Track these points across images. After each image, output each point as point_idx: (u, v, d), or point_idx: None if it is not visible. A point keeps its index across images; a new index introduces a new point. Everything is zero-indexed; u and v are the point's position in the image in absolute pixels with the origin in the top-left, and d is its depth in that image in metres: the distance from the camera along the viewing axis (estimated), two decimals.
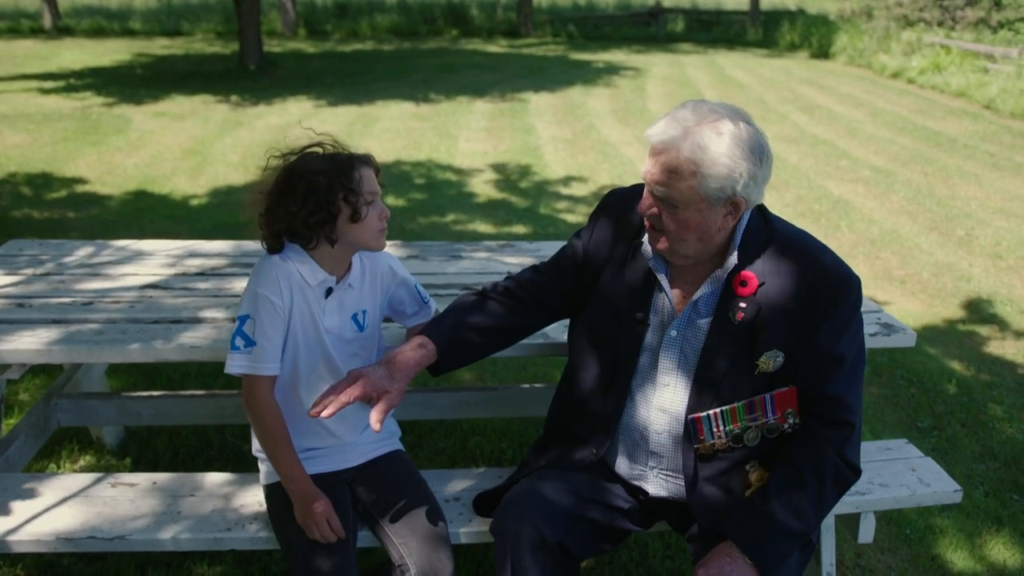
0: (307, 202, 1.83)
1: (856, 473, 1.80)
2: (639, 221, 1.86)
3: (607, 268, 1.90)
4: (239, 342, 1.88)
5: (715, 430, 1.79)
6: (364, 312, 2.04)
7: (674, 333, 1.81)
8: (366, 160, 1.92)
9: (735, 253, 1.74)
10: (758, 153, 1.65)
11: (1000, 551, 2.76)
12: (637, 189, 1.92)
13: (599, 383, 1.91)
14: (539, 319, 2.03)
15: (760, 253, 1.76)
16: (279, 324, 1.90)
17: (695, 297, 1.78)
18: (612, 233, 1.92)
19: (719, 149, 1.61)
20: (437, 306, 2.21)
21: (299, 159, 1.89)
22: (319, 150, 1.92)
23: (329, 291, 1.96)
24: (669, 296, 1.82)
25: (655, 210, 1.70)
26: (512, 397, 2.96)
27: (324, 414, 1.71)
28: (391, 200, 6.58)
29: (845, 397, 1.75)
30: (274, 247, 1.93)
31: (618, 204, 1.94)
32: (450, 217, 6.24)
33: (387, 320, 2.22)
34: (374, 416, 1.74)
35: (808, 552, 1.89)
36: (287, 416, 1.97)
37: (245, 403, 1.92)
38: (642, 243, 1.84)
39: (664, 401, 1.83)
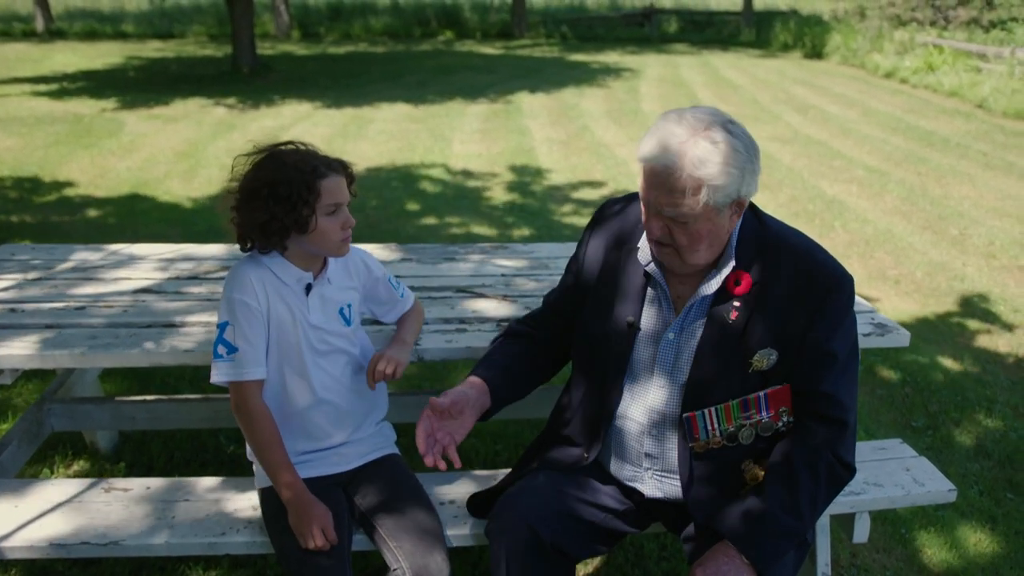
0: (267, 209, 1.83)
1: (850, 471, 1.80)
2: (632, 228, 1.87)
3: (601, 275, 1.91)
4: (221, 350, 1.88)
5: (709, 428, 1.80)
6: (349, 306, 2.05)
7: (671, 336, 1.81)
8: (336, 168, 1.90)
9: (733, 254, 1.75)
10: (752, 152, 1.66)
11: (995, 550, 2.76)
12: (630, 198, 1.94)
13: (593, 387, 1.92)
14: (570, 345, 2.06)
15: (754, 252, 1.76)
16: (259, 327, 1.90)
17: (694, 299, 1.78)
18: (605, 241, 1.93)
19: (719, 159, 1.61)
20: (415, 297, 2.25)
21: (266, 165, 1.87)
22: (290, 147, 1.91)
23: (309, 287, 1.96)
24: (668, 300, 1.82)
25: (666, 231, 1.69)
26: None
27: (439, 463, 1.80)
28: (383, 203, 6.57)
29: (838, 395, 1.76)
30: (243, 247, 1.94)
31: (611, 214, 1.96)
32: (444, 219, 6.24)
33: (366, 321, 2.22)
34: (452, 454, 1.82)
35: (803, 551, 1.89)
36: (278, 419, 1.97)
37: (235, 410, 1.92)
38: (636, 248, 1.84)
39: (659, 402, 1.84)
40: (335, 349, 2.02)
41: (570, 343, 2.04)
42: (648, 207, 1.70)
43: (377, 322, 2.28)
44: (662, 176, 1.63)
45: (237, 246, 1.95)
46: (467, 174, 7.65)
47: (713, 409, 1.78)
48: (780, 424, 1.81)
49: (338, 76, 14.12)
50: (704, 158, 1.60)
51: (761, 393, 1.78)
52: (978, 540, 2.81)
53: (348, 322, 2.04)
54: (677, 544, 2.68)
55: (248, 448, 2.08)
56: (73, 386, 2.94)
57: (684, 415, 1.80)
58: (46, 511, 2.08)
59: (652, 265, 1.81)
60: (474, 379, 1.93)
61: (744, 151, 1.64)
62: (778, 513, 1.72)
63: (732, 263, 1.74)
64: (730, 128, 1.64)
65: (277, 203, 1.82)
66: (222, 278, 2.67)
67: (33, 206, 6.36)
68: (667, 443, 1.86)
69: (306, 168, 1.85)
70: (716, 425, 1.80)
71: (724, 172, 1.61)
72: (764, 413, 1.80)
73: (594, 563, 2.62)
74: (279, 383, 1.97)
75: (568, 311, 2.01)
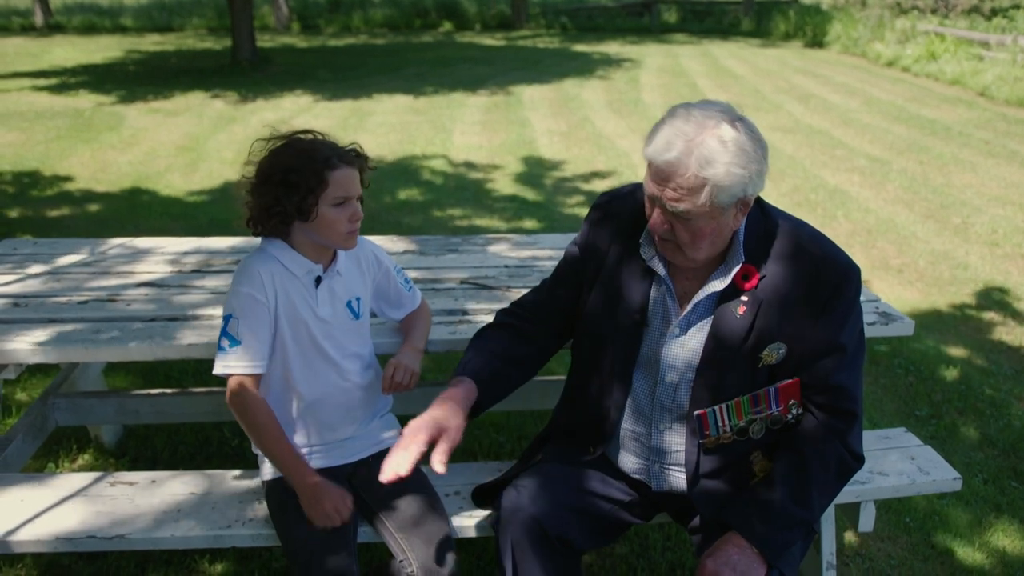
0: (277, 196, 1.83)
1: (859, 461, 1.81)
2: (633, 221, 1.85)
3: (603, 270, 1.89)
4: (224, 342, 1.89)
5: (720, 424, 1.79)
6: (358, 299, 2.04)
7: (678, 331, 1.80)
8: (350, 160, 1.89)
9: (741, 251, 1.73)
10: (761, 151, 1.62)
11: (1000, 538, 2.76)
12: (629, 190, 1.92)
13: (600, 383, 1.91)
14: (561, 338, 2.03)
15: (761, 246, 1.74)
16: (263, 321, 1.90)
17: (700, 295, 1.77)
18: (606, 235, 1.90)
19: (727, 159, 1.57)
20: (422, 295, 2.23)
21: (281, 151, 1.88)
22: (308, 136, 1.91)
23: (318, 280, 1.96)
24: (673, 295, 1.81)
25: (667, 226, 1.67)
26: None
27: (398, 474, 1.64)
28: (385, 195, 6.57)
29: (848, 386, 1.75)
30: (255, 232, 1.94)
31: (610, 206, 1.93)
32: (446, 211, 6.23)
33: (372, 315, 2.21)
34: (436, 458, 1.65)
35: (809, 539, 1.89)
36: (285, 412, 1.97)
37: (229, 402, 1.92)
38: (639, 244, 1.83)
39: (668, 398, 1.83)
40: (343, 342, 2.01)
41: (559, 336, 2.01)
42: (652, 201, 1.68)
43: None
44: (667, 173, 1.59)
45: (242, 239, 1.95)
46: (468, 165, 7.63)
47: (724, 405, 1.78)
48: (790, 417, 1.81)
49: (338, 68, 14.08)
50: (711, 158, 1.56)
51: (771, 387, 1.77)
52: (983, 528, 2.81)
53: (357, 315, 2.04)
54: (682, 534, 2.68)
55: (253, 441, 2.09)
56: (77, 380, 2.95)
57: (695, 412, 1.79)
58: (52, 505, 2.08)
59: (655, 260, 1.80)
60: (466, 380, 1.84)
61: (753, 151, 1.60)
62: (788, 504, 1.72)
63: (741, 260, 1.72)
64: (739, 126, 1.59)
65: (285, 189, 1.83)
66: (226, 271, 2.66)
67: (34, 201, 6.35)
68: (676, 438, 1.85)
69: (318, 157, 1.84)
70: (727, 421, 1.79)
71: (731, 172, 1.57)
72: (774, 407, 1.79)
73: (599, 554, 2.63)
74: (286, 376, 1.97)
75: (563, 305, 1.97)
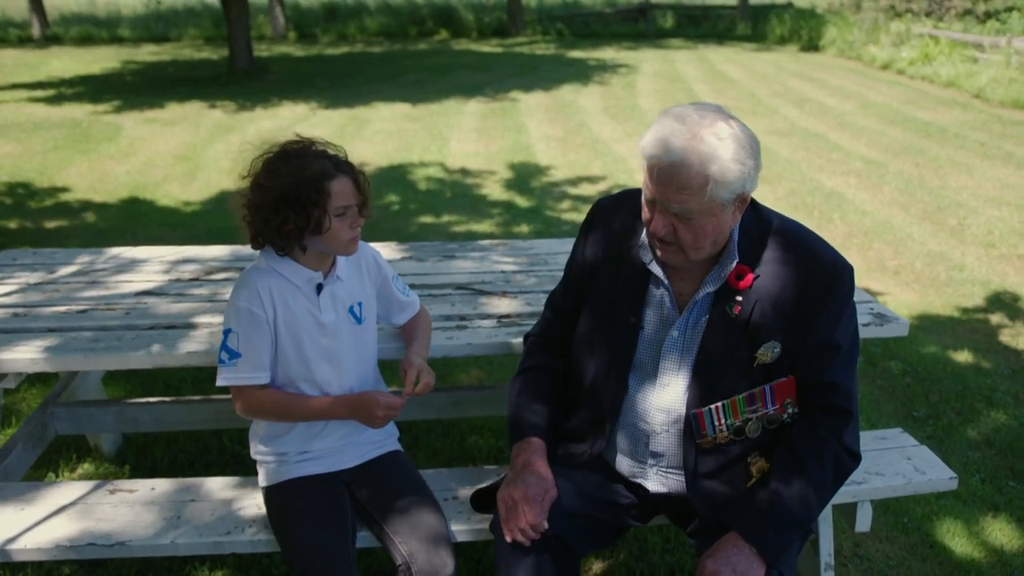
0: (278, 212, 1.84)
1: (856, 459, 1.81)
2: (629, 226, 1.87)
3: (600, 273, 1.91)
4: (224, 355, 1.92)
5: (716, 424, 1.80)
6: (360, 304, 2.06)
7: (676, 334, 1.82)
8: (344, 169, 1.91)
9: (735, 250, 1.75)
10: (754, 147, 1.66)
11: (997, 537, 2.77)
12: (622, 195, 1.94)
13: (596, 385, 1.92)
14: None
15: (754, 245, 1.76)
16: (262, 334, 1.92)
17: (697, 296, 1.79)
18: (603, 241, 1.92)
19: (726, 155, 1.60)
20: (420, 300, 2.25)
21: (276, 168, 1.88)
22: (299, 147, 1.92)
23: (320, 287, 1.97)
24: (672, 297, 1.83)
25: (669, 228, 1.68)
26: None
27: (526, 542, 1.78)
28: (383, 202, 6.58)
29: (842, 384, 1.77)
30: (255, 246, 1.96)
31: (605, 212, 1.95)
32: (443, 217, 6.25)
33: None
34: (544, 518, 1.79)
35: (804, 537, 1.90)
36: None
37: (240, 413, 1.96)
38: (635, 247, 1.84)
39: (664, 401, 1.84)
40: (345, 347, 2.02)
41: None
42: (653, 205, 1.69)
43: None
44: (669, 173, 1.62)
45: (239, 247, 1.96)
46: (465, 172, 7.65)
47: (720, 405, 1.79)
48: (785, 416, 1.82)
49: (335, 77, 14.12)
50: (710, 154, 1.59)
51: (766, 386, 1.79)
52: (980, 528, 2.82)
53: (360, 320, 2.05)
54: (681, 537, 2.69)
55: (252, 447, 2.10)
56: (76, 389, 2.95)
57: (691, 412, 1.80)
58: (52, 513, 2.09)
59: (654, 263, 1.82)
60: (533, 439, 1.93)
61: (749, 146, 1.63)
62: (787, 504, 1.73)
63: (735, 259, 1.75)
64: (733, 123, 1.64)
65: (289, 207, 1.84)
66: (224, 280, 2.67)
67: (32, 211, 6.37)
68: (673, 440, 1.86)
69: (314, 172, 1.85)
70: (723, 420, 1.80)
71: (730, 168, 1.60)
72: (770, 406, 1.80)
73: (598, 556, 2.63)
74: (289, 383, 1.99)
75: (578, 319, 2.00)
